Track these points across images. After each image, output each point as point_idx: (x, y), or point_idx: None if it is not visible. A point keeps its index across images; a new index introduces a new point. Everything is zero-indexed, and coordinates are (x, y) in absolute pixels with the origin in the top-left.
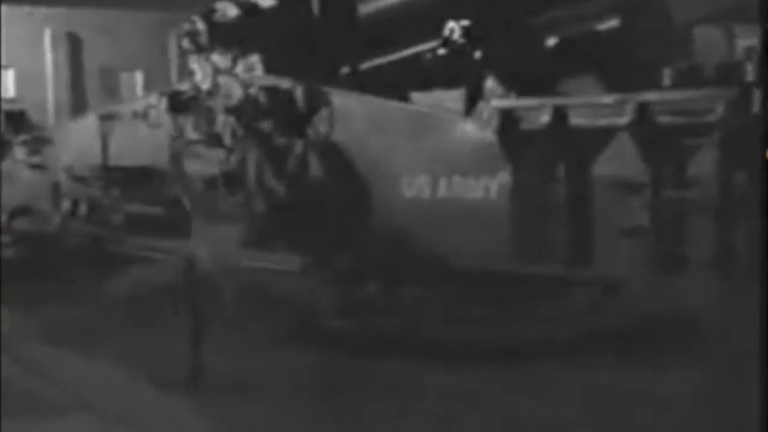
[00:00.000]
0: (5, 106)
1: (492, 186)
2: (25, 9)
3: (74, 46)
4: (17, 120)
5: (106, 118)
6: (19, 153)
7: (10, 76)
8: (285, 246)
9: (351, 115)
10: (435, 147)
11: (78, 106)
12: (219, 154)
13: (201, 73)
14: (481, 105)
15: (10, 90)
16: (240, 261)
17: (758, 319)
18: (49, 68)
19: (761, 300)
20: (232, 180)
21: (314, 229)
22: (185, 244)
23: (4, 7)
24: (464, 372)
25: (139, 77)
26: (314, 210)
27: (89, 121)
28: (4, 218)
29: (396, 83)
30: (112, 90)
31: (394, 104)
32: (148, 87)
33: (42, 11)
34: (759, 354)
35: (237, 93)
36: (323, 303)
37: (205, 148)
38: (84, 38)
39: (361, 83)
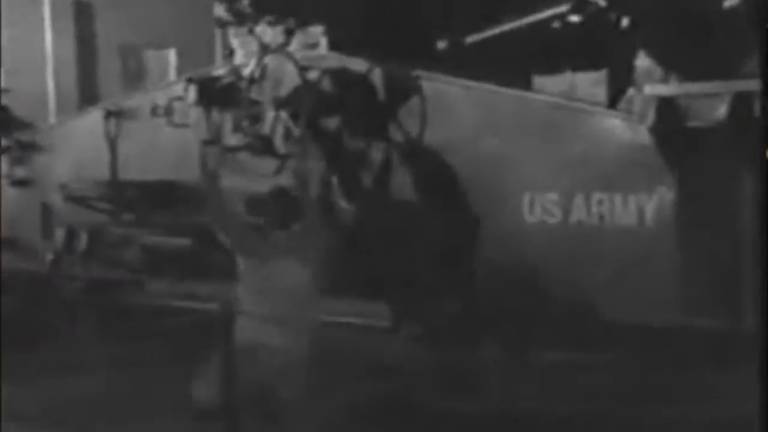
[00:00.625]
0: None
1: (648, 207)
2: None
3: (84, 17)
4: None
5: (114, 116)
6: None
7: None
8: (363, 293)
9: (451, 108)
10: (567, 152)
11: (88, 96)
12: (268, 164)
13: (243, 52)
14: (630, 93)
15: None
16: (304, 315)
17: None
18: (48, 47)
19: (761, 300)
20: (285, 201)
21: (405, 269)
22: (225, 290)
23: None
24: None
25: (171, 57)
26: (403, 241)
27: (92, 120)
28: None
29: (513, 63)
30: (135, 75)
31: (511, 93)
32: (183, 70)
33: None
34: (759, 354)
35: (291, 79)
36: (422, 372)
37: (248, 155)
38: (96, 6)
39: (464, 64)
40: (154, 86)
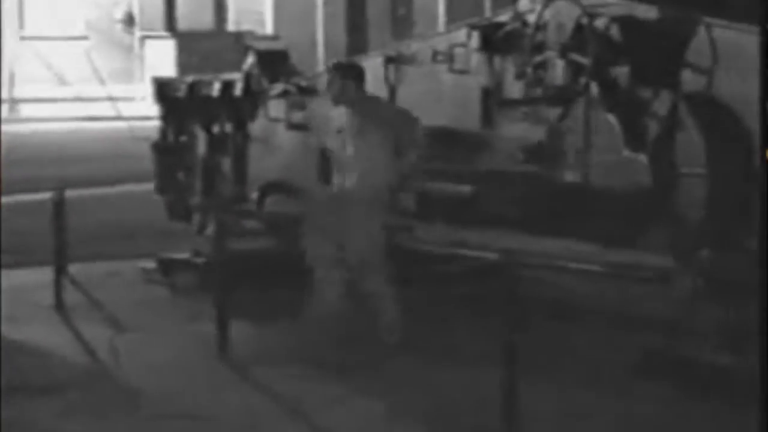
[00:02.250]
0: (258, 45)
1: None
2: None
3: None
4: (274, 64)
5: (394, 61)
6: (276, 109)
7: (267, 3)
8: (644, 245)
9: (742, 56)
10: None
11: (357, 45)
12: (552, 113)
13: None
14: None
15: (266, 24)
16: (587, 265)
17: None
18: None
19: (762, 300)
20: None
21: (688, 220)
22: (504, 239)
23: None
24: None
25: (441, 4)
26: (689, 192)
27: (372, 65)
28: (253, 197)
29: None
30: (404, 22)
31: None
32: (452, 17)
33: None
34: (759, 355)
35: (577, 26)
36: (695, 325)
37: (531, 106)
38: None
39: (756, 11)
40: (434, 32)
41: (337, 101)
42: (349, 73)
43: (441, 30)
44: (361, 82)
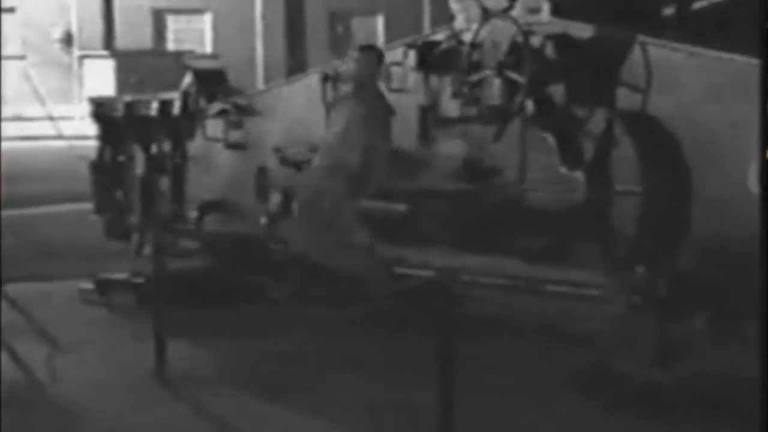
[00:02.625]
0: (196, 64)
1: None
2: None
3: None
4: (211, 83)
5: (331, 80)
6: (214, 128)
7: (206, 22)
8: (579, 261)
9: (677, 75)
10: None
11: (296, 63)
12: (487, 131)
13: (463, 16)
14: None
15: (205, 43)
16: (522, 282)
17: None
18: (258, 13)
19: (762, 300)
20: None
21: (623, 237)
22: (440, 256)
23: None
24: None
25: (379, 23)
26: (623, 209)
27: (309, 84)
28: (191, 215)
29: (742, 30)
30: (343, 40)
31: (739, 59)
32: (391, 37)
33: None
34: (760, 354)
35: (513, 44)
36: (632, 342)
37: (468, 124)
38: None
39: (692, 30)
40: None
41: (362, 80)
42: (380, 57)
43: None
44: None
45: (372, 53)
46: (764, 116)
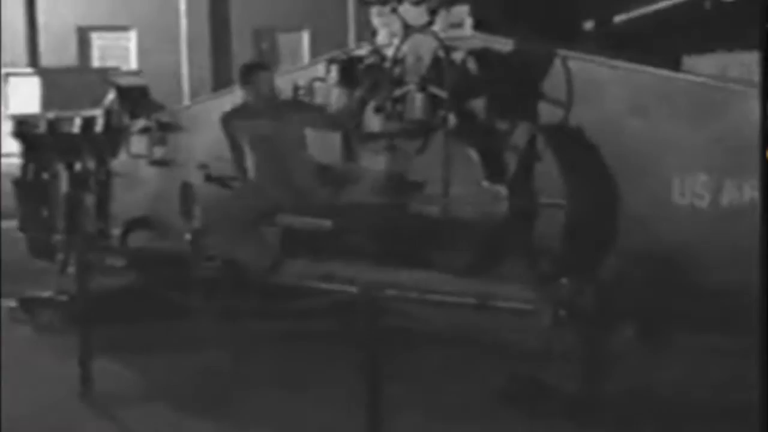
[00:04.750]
0: (120, 81)
1: None
2: None
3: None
4: (135, 99)
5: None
6: (138, 144)
7: (131, 39)
8: (505, 274)
9: (598, 88)
10: (719, 135)
11: (222, 79)
12: (411, 145)
13: (385, 31)
14: None
15: (130, 59)
16: (447, 296)
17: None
18: (183, 29)
19: (762, 298)
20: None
21: (548, 250)
22: (367, 272)
23: None
24: None
25: (304, 40)
26: (548, 222)
27: (234, 100)
28: (115, 233)
29: (663, 43)
30: (268, 57)
31: (661, 74)
32: (316, 52)
33: None
34: (759, 353)
35: (435, 59)
36: (559, 355)
37: (391, 139)
38: None
39: (612, 44)
40: (294, 67)
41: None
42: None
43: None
44: None
45: (261, 72)
46: (764, 116)
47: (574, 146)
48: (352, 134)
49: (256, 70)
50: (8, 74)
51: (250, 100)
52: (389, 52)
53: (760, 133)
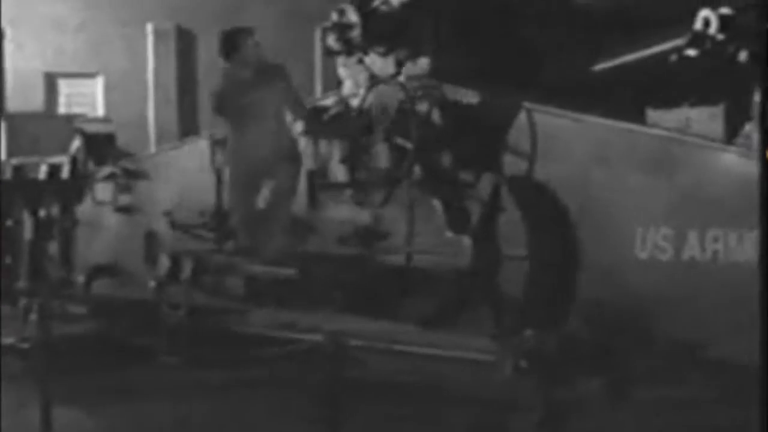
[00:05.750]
0: (86, 128)
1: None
2: None
3: (185, 44)
4: (101, 146)
5: (220, 144)
6: (103, 192)
7: (98, 86)
8: (467, 325)
9: (562, 141)
10: (682, 188)
11: (189, 127)
12: (376, 195)
13: (351, 82)
14: (748, 128)
15: (97, 105)
16: (411, 346)
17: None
18: (150, 75)
19: (762, 301)
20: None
21: (511, 301)
22: (331, 321)
23: None
24: None
25: None
26: (511, 275)
27: (198, 148)
28: (80, 280)
29: (627, 97)
30: None
31: (624, 126)
32: None
33: None
34: (759, 353)
35: (400, 110)
36: (521, 405)
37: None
38: (198, 34)
39: (577, 97)
40: None
41: None
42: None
43: None
44: None
45: (247, 37)
46: (764, 116)
47: (537, 198)
48: (317, 184)
49: (241, 37)
50: None
51: (237, 69)
52: (355, 102)
53: (760, 133)
